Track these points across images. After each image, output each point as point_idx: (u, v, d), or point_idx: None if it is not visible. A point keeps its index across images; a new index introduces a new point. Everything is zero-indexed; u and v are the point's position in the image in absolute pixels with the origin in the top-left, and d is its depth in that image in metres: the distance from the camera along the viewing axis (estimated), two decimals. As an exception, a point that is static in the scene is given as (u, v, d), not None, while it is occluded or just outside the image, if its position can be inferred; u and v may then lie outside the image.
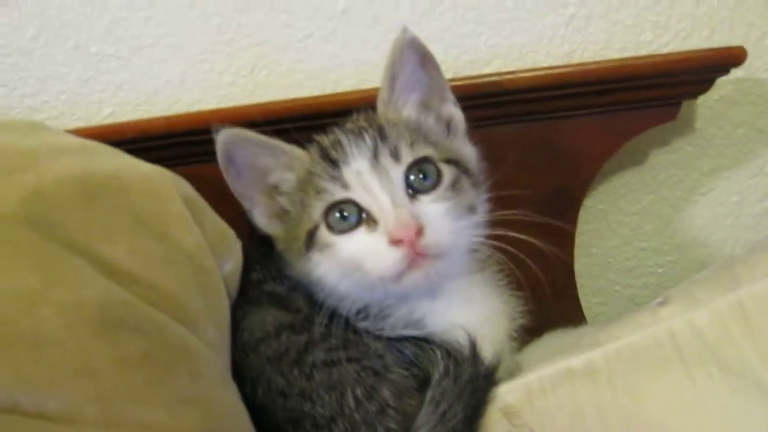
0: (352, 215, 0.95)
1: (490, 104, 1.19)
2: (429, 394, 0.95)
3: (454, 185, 0.98)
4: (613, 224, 1.49)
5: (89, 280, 0.81)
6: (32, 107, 1.36)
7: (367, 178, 0.95)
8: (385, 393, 0.94)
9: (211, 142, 1.19)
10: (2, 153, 0.89)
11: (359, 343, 0.99)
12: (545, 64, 1.29)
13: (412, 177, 0.96)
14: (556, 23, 1.35)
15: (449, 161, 1.00)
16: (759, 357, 0.87)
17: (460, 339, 0.99)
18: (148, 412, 0.77)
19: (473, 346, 0.99)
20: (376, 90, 1.09)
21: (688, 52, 1.23)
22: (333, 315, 0.98)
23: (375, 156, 0.96)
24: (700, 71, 1.22)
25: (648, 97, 1.25)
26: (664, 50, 1.36)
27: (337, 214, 0.96)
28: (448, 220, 0.96)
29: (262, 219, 1.03)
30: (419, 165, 0.97)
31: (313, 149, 1.01)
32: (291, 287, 1.04)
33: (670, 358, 0.91)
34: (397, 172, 0.96)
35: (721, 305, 0.92)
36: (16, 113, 1.35)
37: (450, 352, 0.98)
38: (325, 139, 1.01)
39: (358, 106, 1.14)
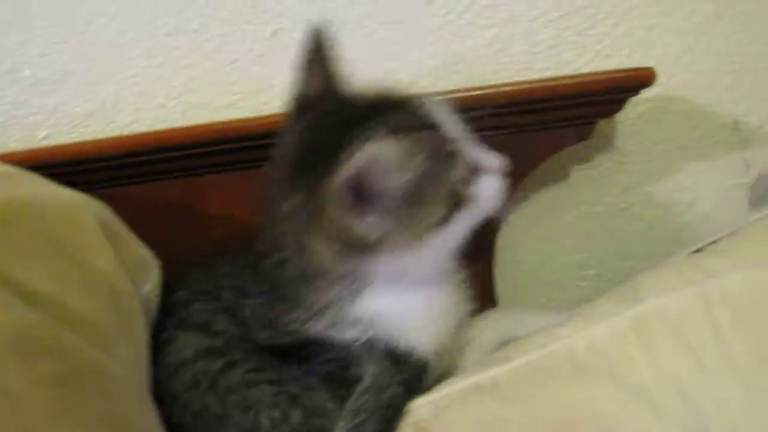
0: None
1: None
2: (348, 405, 0.97)
3: None
4: (536, 240, 1.52)
5: (5, 304, 0.82)
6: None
7: (460, 132, 1.00)
8: (297, 417, 0.96)
9: (142, 165, 1.22)
10: None
11: (278, 367, 1.00)
12: (468, 85, 1.31)
13: None
14: (479, 44, 1.38)
15: None
16: (654, 375, 0.89)
17: (402, 344, 1.01)
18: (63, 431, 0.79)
19: (409, 356, 1.01)
20: None
21: (600, 73, 1.26)
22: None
23: (447, 111, 1.01)
24: (612, 92, 1.25)
25: (562, 117, 1.28)
26: (586, 69, 1.40)
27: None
28: None
29: (371, 228, 0.95)
30: None
31: (405, 136, 0.95)
32: (217, 309, 1.05)
33: (567, 374, 0.93)
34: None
35: (618, 322, 0.94)
36: (-46, 136, 1.36)
37: (385, 360, 1.00)
38: (396, 118, 0.97)
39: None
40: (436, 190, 0.96)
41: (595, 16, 1.39)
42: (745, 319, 0.90)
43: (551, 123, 1.28)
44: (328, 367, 1.01)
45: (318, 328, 1.00)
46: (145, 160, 1.25)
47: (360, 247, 0.95)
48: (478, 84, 1.27)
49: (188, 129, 1.26)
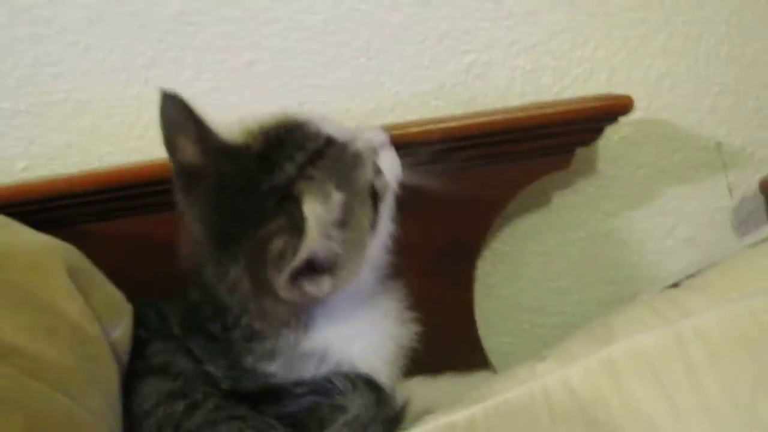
0: None
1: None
2: None
3: None
4: (520, 265, 1.51)
5: (-29, 356, 0.82)
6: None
7: (344, 131, 0.99)
8: None
9: (115, 200, 1.22)
10: None
11: (239, 406, 0.99)
12: (446, 112, 1.31)
13: None
14: (457, 70, 1.38)
15: None
16: (627, 418, 0.88)
17: (373, 377, 1.01)
18: None
19: (383, 390, 1.02)
20: None
21: (577, 101, 1.27)
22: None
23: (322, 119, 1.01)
24: (589, 121, 1.25)
25: (541, 146, 1.27)
26: (565, 94, 1.39)
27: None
28: None
29: (315, 288, 0.93)
30: None
31: (314, 175, 0.94)
32: (175, 346, 1.04)
33: (540, 414, 0.92)
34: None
35: (592, 362, 0.93)
36: (-67, 168, 1.36)
37: (366, 393, 1.00)
38: (296, 154, 0.95)
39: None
40: (359, 200, 0.96)
41: (574, 40, 1.39)
42: (719, 358, 0.88)
43: (529, 152, 1.28)
44: (300, 408, 1.00)
45: (273, 370, 1.00)
46: (116, 196, 1.24)
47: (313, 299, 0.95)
48: (456, 111, 1.27)
49: (162, 164, 1.25)
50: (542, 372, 0.96)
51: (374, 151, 1.00)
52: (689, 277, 1.06)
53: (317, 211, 0.90)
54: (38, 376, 0.86)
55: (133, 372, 1.02)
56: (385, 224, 1.02)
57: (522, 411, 0.94)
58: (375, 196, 0.98)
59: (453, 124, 1.22)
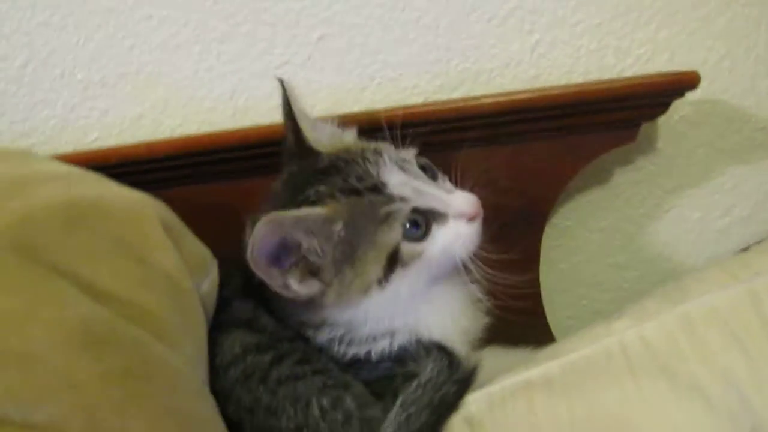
0: (419, 221, 1.01)
1: (455, 129, 1.24)
2: (401, 399, 0.99)
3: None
4: (579, 241, 1.54)
5: (73, 300, 0.85)
6: (21, 132, 1.41)
7: (413, 184, 1.01)
8: (349, 403, 0.98)
9: (190, 167, 1.25)
10: None
11: (322, 359, 1.04)
12: (511, 88, 1.33)
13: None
14: (522, 49, 1.40)
15: None
16: (704, 368, 0.91)
17: (446, 344, 1.06)
18: (129, 424, 0.81)
19: (455, 355, 1.05)
20: (348, 115, 1.19)
21: (645, 76, 1.29)
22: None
23: (400, 167, 1.02)
24: (657, 95, 1.27)
25: (608, 120, 1.30)
26: (627, 73, 1.41)
27: (409, 225, 1.00)
28: None
29: (300, 286, 1.00)
30: (417, 162, 1.06)
31: (336, 198, 1.00)
32: (257, 305, 1.08)
33: (620, 370, 0.95)
34: (419, 172, 1.04)
35: (669, 318, 0.96)
36: (5, 139, 1.40)
37: (438, 358, 1.04)
38: (336, 183, 1.01)
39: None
40: (367, 252, 1.00)
41: (636, 21, 1.40)
42: (794, 313, 0.91)
43: (597, 126, 1.30)
44: (375, 375, 1.05)
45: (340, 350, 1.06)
46: (194, 162, 1.28)
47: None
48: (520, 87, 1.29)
49: (236, 131, 1.29)
50: (618, 329, 0.99)
51: (437, 214, 1.02)
52: (758, 243, 1.08)
53: (311, 215, 0.98)
54: (135, 321, 0.89)
55: (215, 325, 1.06)
56: (416, 280, 1.03)
57: (599, 365, 0.97)
58: (395, 257, 1.00)
59: (524, 96, 1.25)
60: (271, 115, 1.33)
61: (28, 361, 0.80)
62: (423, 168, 1.05)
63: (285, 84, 1.07)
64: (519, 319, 1.12)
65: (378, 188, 1.00)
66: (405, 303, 1.04)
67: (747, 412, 0.86)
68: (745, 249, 1.07)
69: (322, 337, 1.06)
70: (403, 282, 1.02)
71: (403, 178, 1.01)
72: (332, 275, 1.01)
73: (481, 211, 1.02)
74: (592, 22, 1.40)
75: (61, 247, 0.89)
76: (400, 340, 1.05)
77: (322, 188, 1.01)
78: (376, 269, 1.00)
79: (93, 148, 1.37)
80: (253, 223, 0.93)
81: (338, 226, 0.99)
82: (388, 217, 0.99)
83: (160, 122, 1.42)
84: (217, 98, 1.41)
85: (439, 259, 1.02)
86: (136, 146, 1.29)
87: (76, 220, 0.92)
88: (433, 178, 1.05)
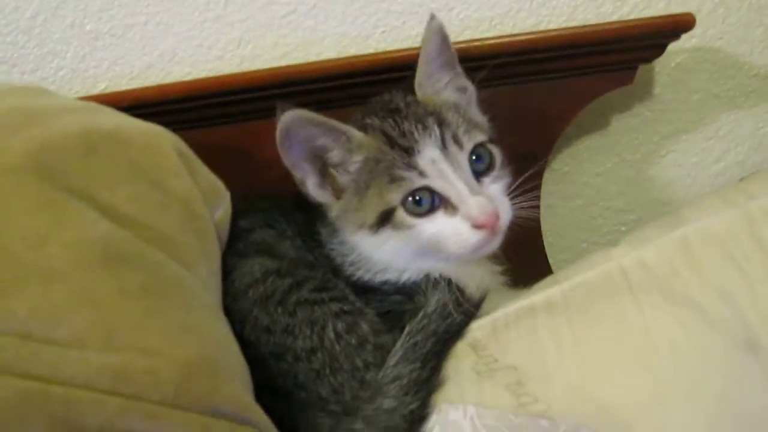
0: (425, 200, 1.03)
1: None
2: (407, 328, 1.03)
3: (503, 164, 1.09)
4: (578, 186, 1.58)
5: (92, 222, 0.89)
6: (32, 83, 1.42)
7: (442, 165, 1.03)
8: (365, 328, 1.02)
9: (200, 109, 1.27)
10: (13, 111, 0.98)
11: (338, 286, 1.08)
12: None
13: (473, 163, 1.06)
14: (522, -4, 1.43)
15: (492, 141, 1.10)
16: (701, 286, 0.94)
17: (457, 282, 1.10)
18: (147, 339, 0.85)
19: (462, 290, 1.09)
20: (355, 57, 1.24)
21: (640, 19, 1.33)
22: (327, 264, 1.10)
23: (444, 144, 1.03)
24: (652, 37, 1.30)
25: (606, 62, 1.33)
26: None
27: (411, 199, 1.03)
28: (505, 197, 1.07)
29: (315, 189, 1.08)
30: (476, 150, 1.06)
31: (376, 135, 1.06)
32: (279, 233, 1.12)
33: (620, 290, 0.98)
34: (463, 159, 1.05)
35: (666, 241, 1.00)
36: (17, 89, 1.42)
37: (446, 291, 1.07)
38: (386, 125, 1.06)
39: (338, 74, 1.25)
40: (372, 196, 1.06)
41: (634, -31, 1.43)
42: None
43: (596, 68, 1.34)
44: (386, 306, 1.09)
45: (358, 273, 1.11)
46: (204, 104, 1.31)
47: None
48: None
49: (245, 74, 1.32)
50: (617, 254, 1.03)
51: (447, 203, 1.04)
52: (752, 174, 1.12)
53: (342, 128, 1.05)
54: (152, 243, 0.92)
55: (235, 252, 1.09)
56: (411, 241, 1.06)
57: (600, 288, 1.00)
58: (388, 217, 1.05)
59: (525, 38, 1.29)
60: (277, 63, 1.37)
61: (50, 278, 0.83)
62: (478, 156, 1.07)
63: (430, 23, 1.09)
64: (522, 258, 1.16)
65: (409, 151, 1.03)
66: (401, 256, 1.08)
67: (742, 326, 0.90)
68: (743, 179, 1.11)
69: (339, 256, 1.11)
70: (389, 241, 1.06)
71: (436, 155, 1.03)
72: (341, 192, 1.07)
73: (493, 225, 1.02)
74: (590, -31, 1.43)
75: (81, 172, 0.92)
76: (410, 276, 1.10)
77: (374, 121, 1.07)
78: (371, 215, 1.06)
79: (105, 92, 1.40)
80: (283, 111, 0.99)
81: (360, 156, 1.06)
82: (397, 180, 1.03)
83: (169, 71, 1.44)
84: (225, 47, 1.44)
85: (427, 241, 1.05)
86: (148, 89, 1.33)
87: (94, 147, 0.95)
88: (479, 171, 1.06)
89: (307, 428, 0.96)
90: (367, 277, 1.11)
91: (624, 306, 0.97)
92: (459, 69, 1.13)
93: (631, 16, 1.44)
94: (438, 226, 1.04)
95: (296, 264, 1.08)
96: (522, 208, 1.08)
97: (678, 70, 1.50)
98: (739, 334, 0.90)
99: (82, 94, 1.43)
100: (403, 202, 1.03)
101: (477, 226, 1.02)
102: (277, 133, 1.01)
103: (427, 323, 1.03)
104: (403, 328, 1.04)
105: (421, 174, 1.02)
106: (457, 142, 1.04)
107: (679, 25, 1.28)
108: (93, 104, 1.09)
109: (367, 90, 1.18)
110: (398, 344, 1.02)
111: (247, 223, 1.13)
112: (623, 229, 1.58)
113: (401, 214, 1.04)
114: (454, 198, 1.03)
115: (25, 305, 0.80)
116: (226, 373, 0.90)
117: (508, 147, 1.12)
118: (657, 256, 0.99)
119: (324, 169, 1.08)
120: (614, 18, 1.44)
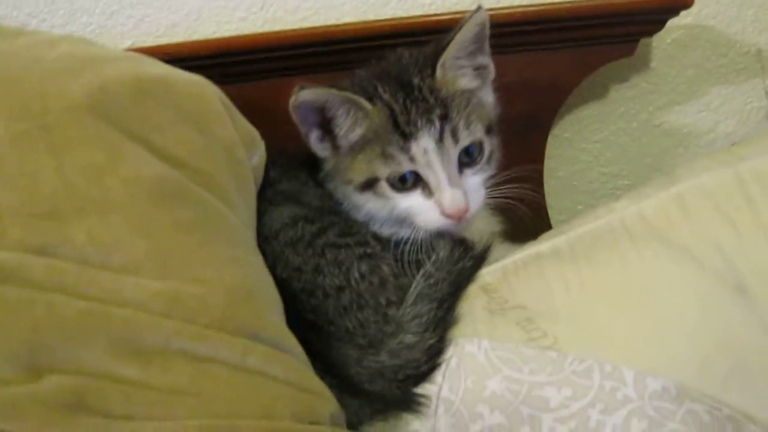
0: (409, 179, 1.12)
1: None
2: (423, 269, 1.11)
3: (490, 156, 1.17)
4: (577, 151, 1.65)
5: (146, 160, 0.95)
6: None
7: (432, 156, 1.10)
8: (386, 270, 1.10)
9: (229, 65, 1.33)
10: (70, 57, 1.03)
11: (360, 233, 1.15)
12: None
13: (462, 155, 1.13)
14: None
15: (489, 130, 1.17)
16: (695, 237, 1.02)
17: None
18: (197, 268, 0.92)
19: (469, 240, 1.17)
20: (373, 22, 1.33)
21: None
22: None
23: (440, 137, 1.10)
24: (654, 12, 1.38)
25: (610, 34, 1.40)
26: (626, -1, 1.52)
27: (398, 177, 1.12)
28: (481, 188, 1.15)
29: (316, 143, 1.17)
30: (469, 145, 1.13)
31: (382, 110, 1.13)
32: (303, 183, 1.20)
33: (622, 238, 1.06)
34: (455, 153, 1.12)
35: (663, 197, 1.08)
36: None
37: (455, 242, 1.15)
38: (394, 104, 1.12)
39: (357, 37, 1.32)
40: (362, 160, 1.14)
41: (637, -51, 1.50)
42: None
43: (600, 39, 1.41)
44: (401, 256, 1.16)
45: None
46: (231, 61, 1.37)
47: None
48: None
49: (274, 33, 1.41)
50: (618, 208, 1.11)
51: (426, 186, 1.13)
52: (743, 138, 1.20)
53: (354, 99, 1.12)
54: (200, 183, 0.99)
55: (264, 199, 1.16)
56: (381, 211, 1.17)
57: (603, 237, 1.08)
58: (373, 184, 1.15)
59: (534, 8, 1.36)
60: (298, 26, 1.43)
61: (108, 209, 0.90)
62: (469, 150, 1.14)
63: (476, 13, 1.12)
64: (526, 217, 1.22)
65: (407, 137, 1.10)
66: (379, 216, 1.18)
67: (731, 272, 0.98)
68: (735, 144, 1.19)
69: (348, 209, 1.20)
70: (369, 203, 1.16)
71: (430, 147, 1.10)
72: (337, 148, 1.16)
73: (460, 216, 1.12)
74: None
75: (134, 115, 0.98)
76: (415, 233, 1.16)
77: (385, 94, 1.13)
78: (357, 178, 1.15)
79: (134, 46, 1.46)
80: (301, 89, 1.08)
81: (363, 126, 1.14)
82: (388, 157, 1.12)
83: (194, 30, 1.49)
84: (249, 8, 1.49)
85: (400, 212, 1.15)
86: (178, 45, 1.39)
87: (145, 92, 1.01)
88: (465, 163, 1.14)
89: (336, 360, 1.03)
90: (375, 229, 1.20)
91: (626, 252, 1.04)
92: (487, 48, 1.17)
93: (633, -4, 1.51)
94: (412, 201, 1.14)
95: (321, 211, 1.16)
96: (495, 198, 1.17)
97: (674, 46, 1.57)
98: (730, 279, 0.98)
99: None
100: (388, 177, 1.12)
101: (444, 214, 1.11)
102: (291, 103, 1.10)
103: (439, 266, 1.11)
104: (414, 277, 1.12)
105: (411, 159, 1.11)
106: (455, 136, 1.11)
107: (679, 2, 1.36)
108: (137, 54, 1.14)
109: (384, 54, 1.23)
110: (413, 286, 1.09)
111: (275, 174, 1.20)
112: (618, 193, 1.64)
113: (383, 185, 1.13)
114: (433, 184, 1.12)
115: (84, 233, 0.87)
116: (265, 303, 0.97)
117: (513, 111, 1.20)
118: (655, 210, 1.07)
119: (327, 126, 1.15)
120: (616, -4, 1.51)
